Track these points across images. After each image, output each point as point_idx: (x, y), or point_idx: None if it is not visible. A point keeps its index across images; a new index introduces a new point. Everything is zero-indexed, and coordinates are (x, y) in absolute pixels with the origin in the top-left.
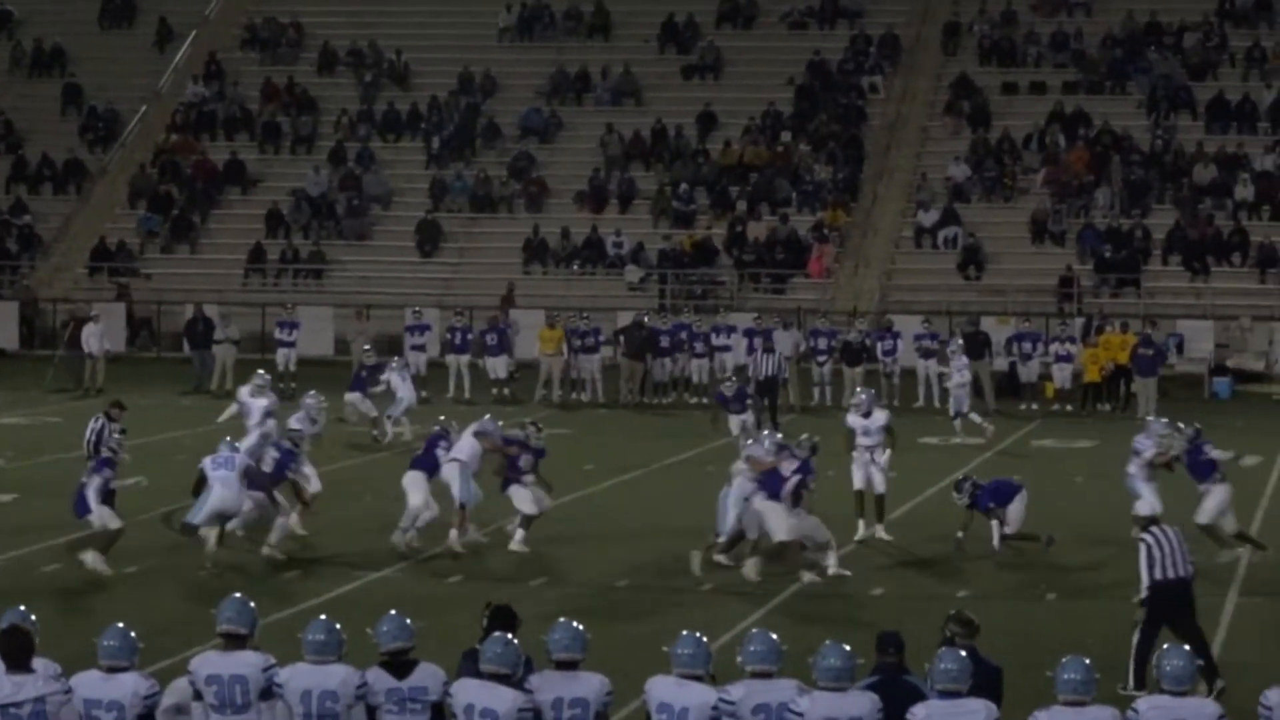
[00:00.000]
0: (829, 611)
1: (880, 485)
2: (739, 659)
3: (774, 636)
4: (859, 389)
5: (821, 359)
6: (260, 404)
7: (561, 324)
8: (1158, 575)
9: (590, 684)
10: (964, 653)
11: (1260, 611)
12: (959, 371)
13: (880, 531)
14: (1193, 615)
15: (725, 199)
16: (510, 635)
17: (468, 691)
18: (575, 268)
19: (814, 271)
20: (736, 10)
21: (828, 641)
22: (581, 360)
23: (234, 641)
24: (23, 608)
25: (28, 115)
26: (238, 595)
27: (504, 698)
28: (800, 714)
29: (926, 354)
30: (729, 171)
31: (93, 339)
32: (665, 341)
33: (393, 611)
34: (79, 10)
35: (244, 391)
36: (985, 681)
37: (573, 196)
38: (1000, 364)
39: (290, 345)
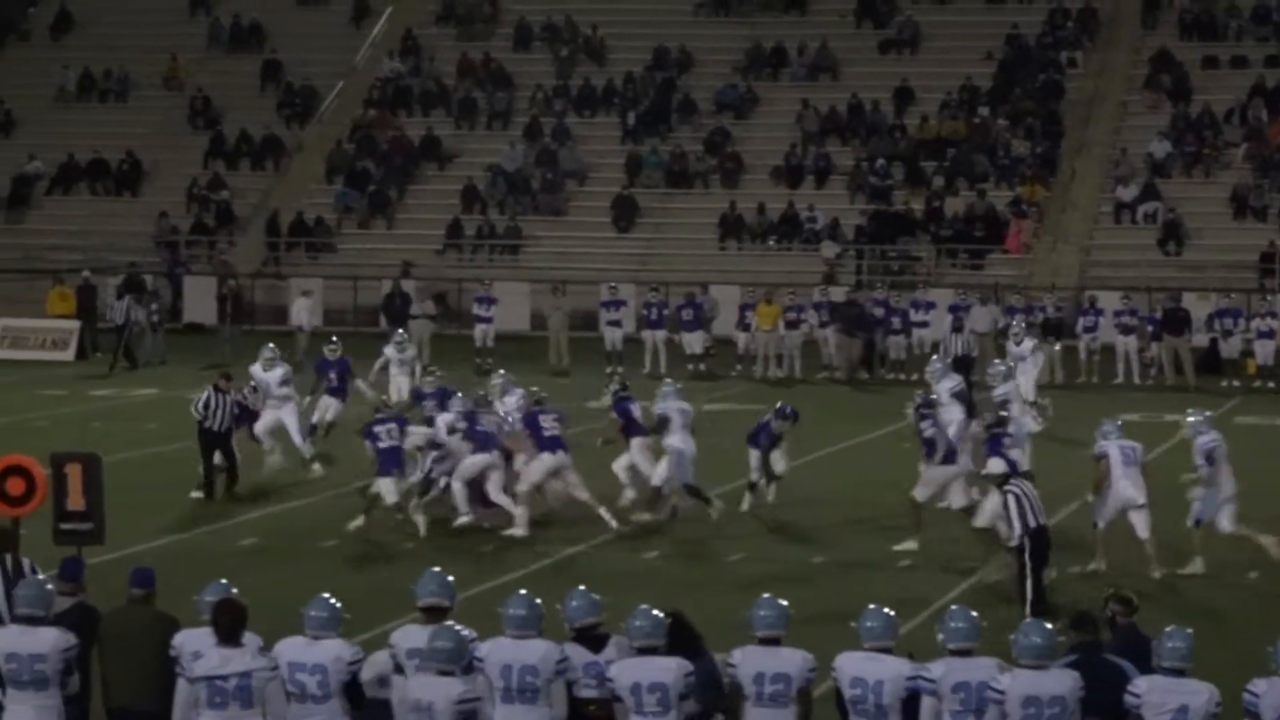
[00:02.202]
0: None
1: None
2: (939, 636)
3: (974, 614)
4: (935, 359)
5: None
6: (275, 376)
7: (779, 300)
8: (1030, 523)
9: (793, 660)
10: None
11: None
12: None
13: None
14: (1046, 558)
15: (921, 174)
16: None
17: (627, 670)
18: (771, 243)
19: (1012, 247)
20: None
21: (1029, 619)
22: (786, 336)
23: (435, 615)
24: (225, 581)
25: (226, 92)
26: (438, 569)
27: (668, 667)
28: (1001, 692)
29: (1126, 330)
30: (926, 146)
31: (304, 313)
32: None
33: (581, 587)
34: None
35: (256, 368)
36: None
37: (769, 172)
38: (1201, 340)
39: (488, 321)
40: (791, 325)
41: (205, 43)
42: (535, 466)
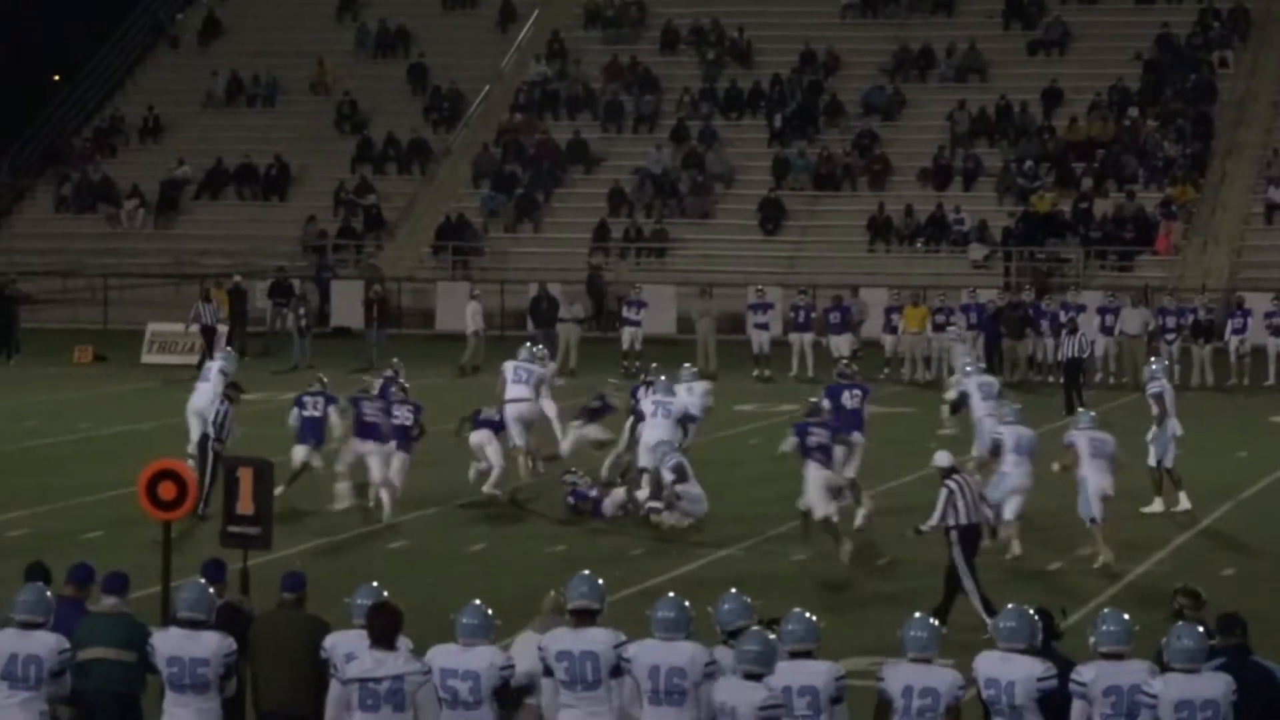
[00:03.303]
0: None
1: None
2: (1090, 639)
3: (1126, 617)
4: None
5: (1170, 337)
6: (215, 365)
7: (926, 303)
8: (962, 520)
9: (944, 677)
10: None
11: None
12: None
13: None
14: (975, 557)
15: (1070, 176)
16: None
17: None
18: (919, 245)
19: (1161, 248)
20: None
21: (1181, 623)
22: (933, 339)
23: (585, 618)
24: (375, 584)
25: (373, 96)
26: (587, 572)
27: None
28: (1154, 696)
29: (1276, 331)
30: (1075, 148)
31: (475, 317)
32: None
33: (733, 590)
34: None
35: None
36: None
37: (916, 174)
38: None
39: (636, 324)
40: (939, 328)
41: (352, 47)
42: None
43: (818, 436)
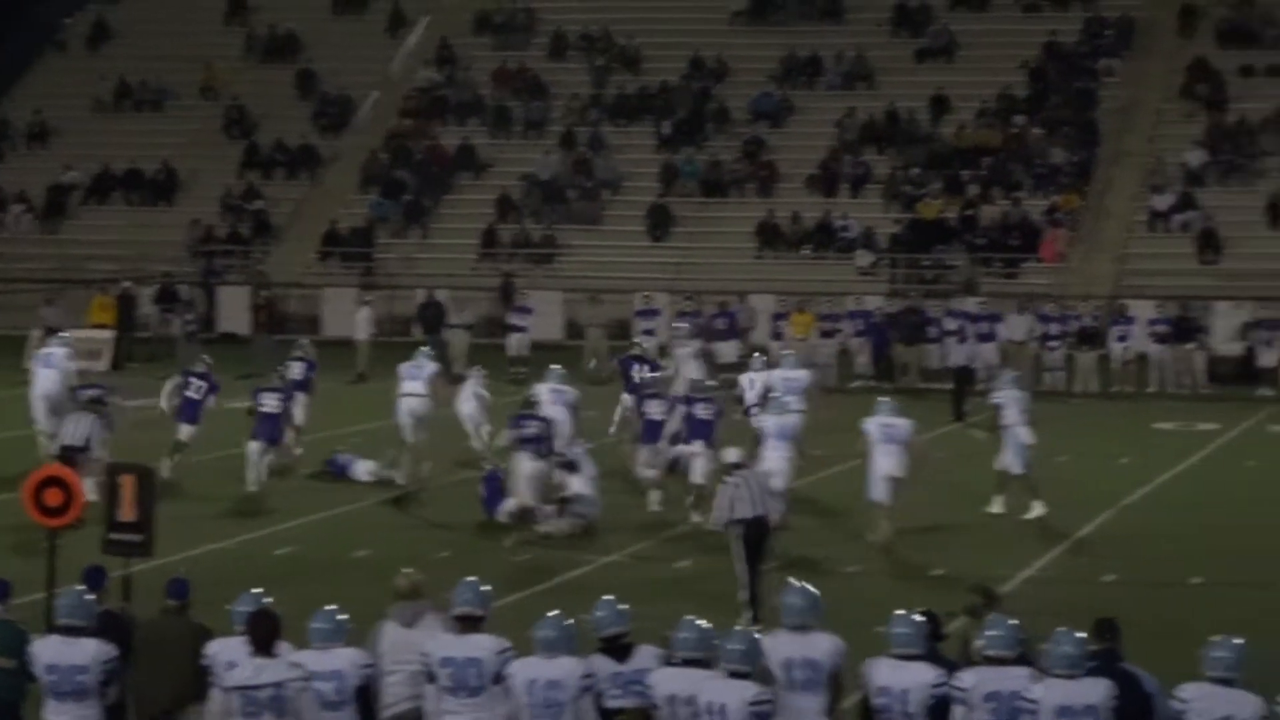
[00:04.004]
0: (1057, 597)
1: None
2: (976, 644)
3: (1012, 622)
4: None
5: (1053, 344)
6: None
7: (813, 309)
8: (737, 514)
9: (823, 646)
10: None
11: None
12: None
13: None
14: (762, 550)
15: (957, 183)
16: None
17: (666, 681)
18: (806, 252)
19: (1046, 256)
20: None
21: (1061, 629)
22: (820, 345)
23: (469, 624)
24: (257, 591)
25: (261, 101)
26: (473, 579)
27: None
28: (1034, 701)
29: (1160, 339)
30: (961, 155)
31: (364, 324)
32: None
33: (607, 597)
34: None
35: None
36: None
37: (804, 180)
38: (1236, 349)
39: (523, 330)
40: (826, 334)
41: (241, 52)
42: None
43: (532, 428)
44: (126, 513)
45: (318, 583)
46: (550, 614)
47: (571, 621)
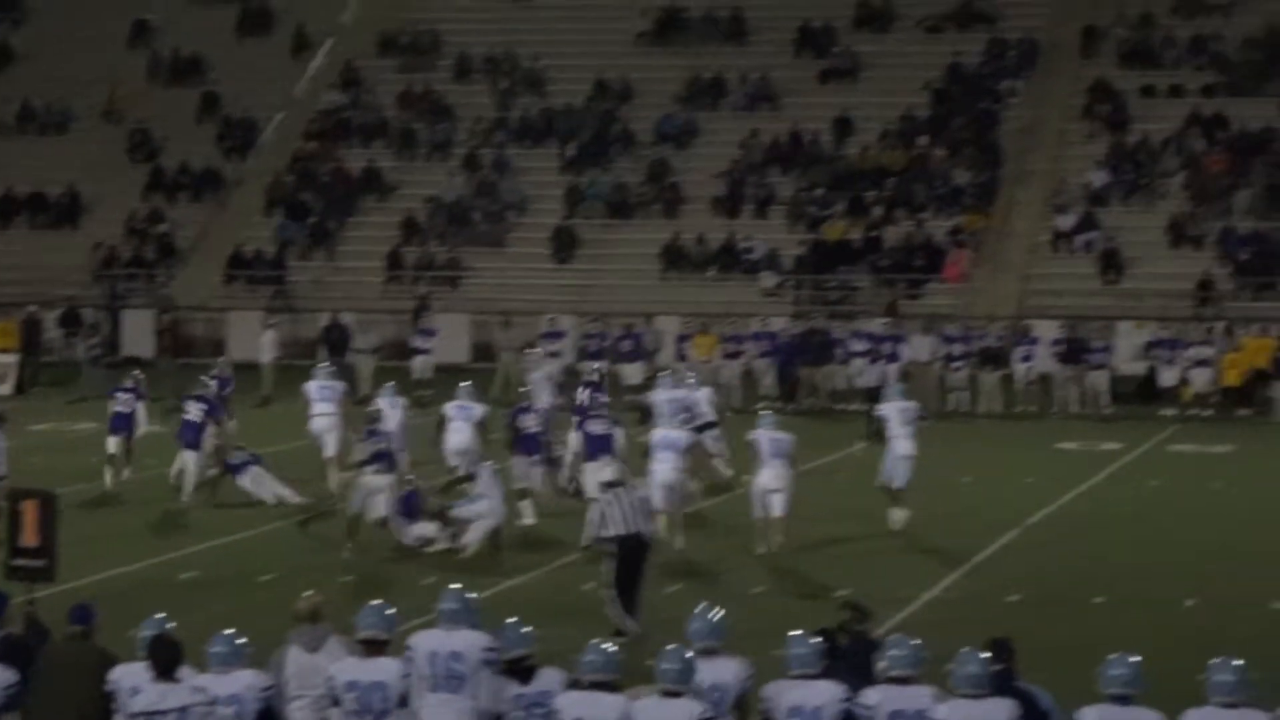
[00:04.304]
0: (961, 617)
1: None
2: (879, 664)
3: (915, 642)
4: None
5: (957, 364)
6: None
7: (717, 330)
8: (610, 530)
9: (731, 669)
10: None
11: None
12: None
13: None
14: (641, 566)
15: (861, 204)
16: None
17: (572, 706)
18: (711, 274)
19: (950, 276)
20: (873, 14)
21: (965, 649)
22: (723, 366)
23: (374, 648)
24: (160, 615)
25: (165, 124)
26: (378, 602)
27: (608, 705)
28: None
29: (1064, 359)
30: (865, 176)
31: (270, 346)
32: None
33: (512, 620)
34: (216, 19)
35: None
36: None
37: (708, 202)
38: (1138, 369)
39: (427, 352)
40: (730, 356)
41: (145, 74)
42: None
43: (377, 443)
44: (29, 538)
45: (222, 606)
46: (452, 586)
47: (474, 595)
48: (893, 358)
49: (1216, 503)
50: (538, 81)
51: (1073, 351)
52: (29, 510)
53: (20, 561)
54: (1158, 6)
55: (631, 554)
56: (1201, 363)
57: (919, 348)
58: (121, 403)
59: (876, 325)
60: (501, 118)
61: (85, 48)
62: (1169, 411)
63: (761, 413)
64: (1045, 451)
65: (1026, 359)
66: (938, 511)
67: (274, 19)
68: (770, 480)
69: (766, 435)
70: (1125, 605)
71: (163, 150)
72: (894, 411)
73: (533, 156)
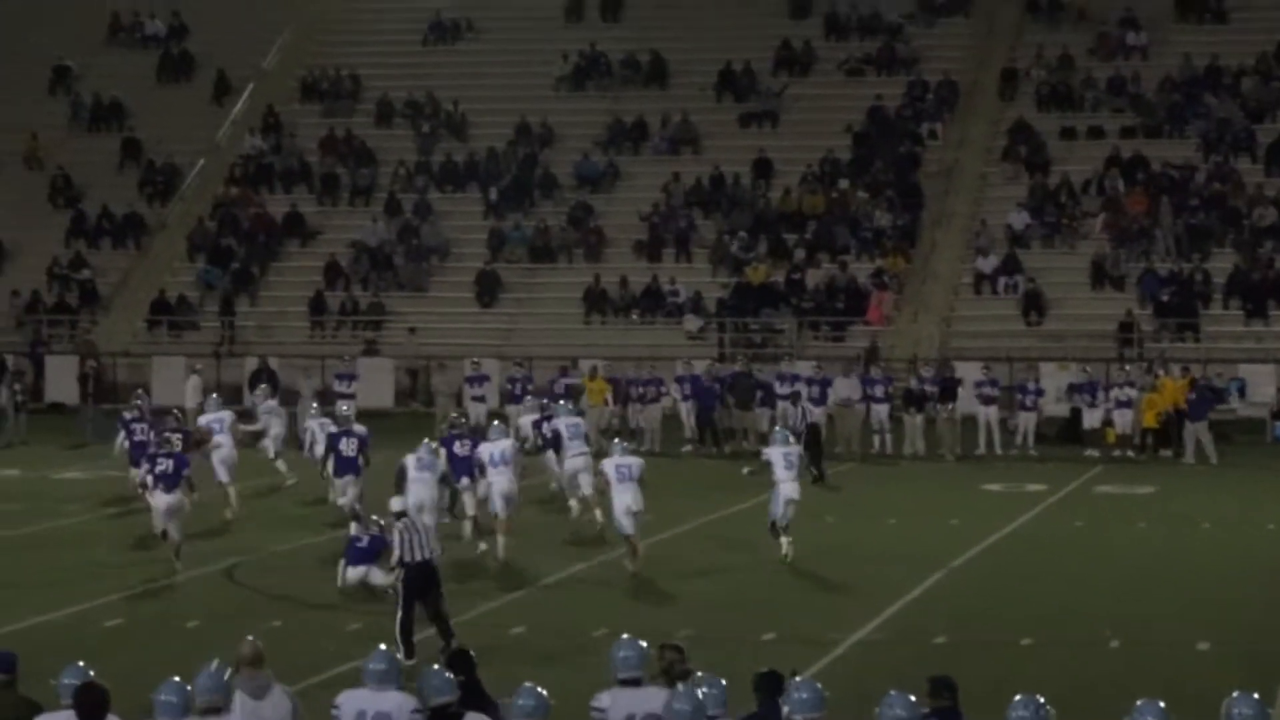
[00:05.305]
0: (887, 659)
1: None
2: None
3: (818, 685)
4: (778, 428)
5: (880, 407)
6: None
7: (604, 374)
8: (407, 558)
9: (660, 698)
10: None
11: None
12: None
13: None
14: (438, 591)
15: (783, 246)
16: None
17: None
18: (634, 317)
19: (873, 318)
20: (793, 57)
21: (892, 691)
22: (642, 410)
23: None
24: (82, 663)
25: (86, 169)
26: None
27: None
28: None
29: (987, 400)
30: (787, 219)
31: (194, 392)
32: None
33: (434, 665)
34: (137, 65)
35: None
36: None
37: (631, 245)
38: (1061, 410)
39: (350, 397)
40: (652, 399)
41: (66, 120)
42: None
43: (163, 465)
44: None
45: (147, 653)
46: (381, 647)
47: (399, 656)
48: (818, 400)
49: (1140, 544)
50: (459, 126)
51: (946, 391)
52: None
53: None
54: (1076, 48)
55: (427, 579)
56: (1124, 404)
57: (842, 389)
58: (140, 432)
59: (805, 368)
60: (423, 162)
61: (5, 94)
62: (1093, 453)
63: (613, 441)
64: (971, 493)
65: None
66: (863, 553)
67: (195, 64)
68: (630, 501)
69: (613, 462)
70: (1051, 646)
71: (84, 196)
72: (778, 455)
73: (455, 200)
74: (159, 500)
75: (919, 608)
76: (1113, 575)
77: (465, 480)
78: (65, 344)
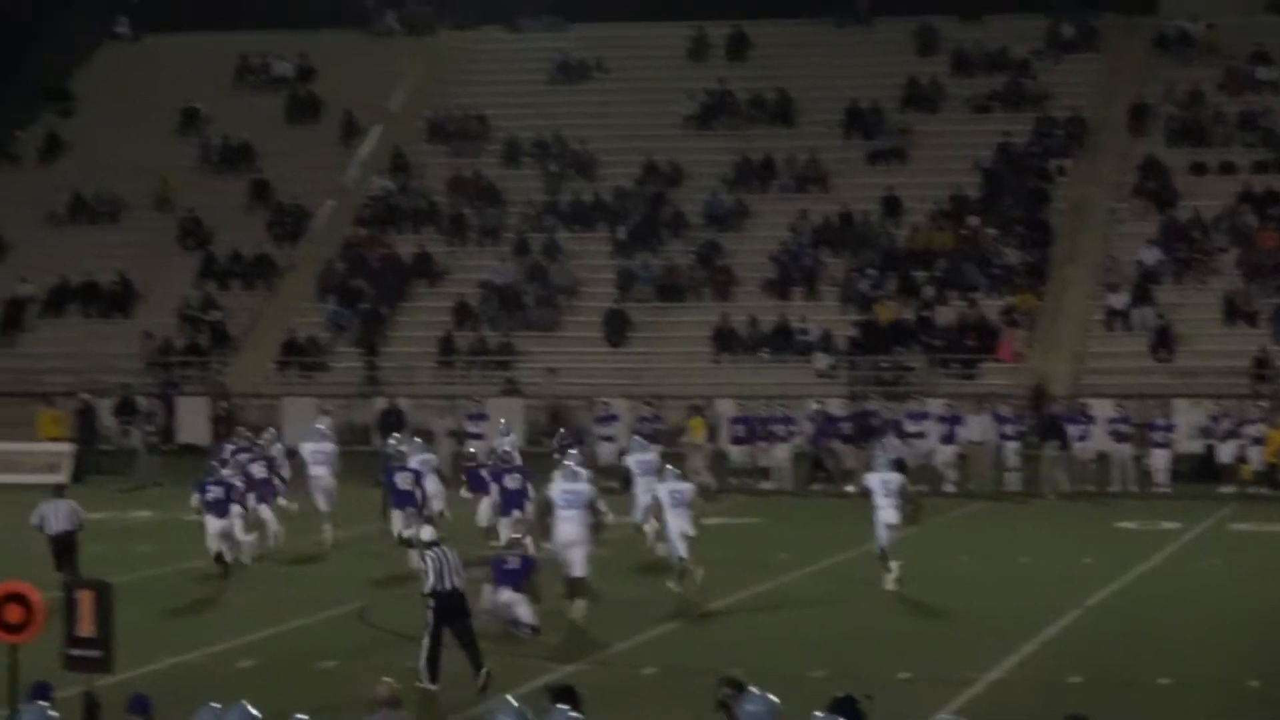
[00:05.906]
0: (1024, 698)
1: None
2: None
3: (773, 699)
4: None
5: (1011, 444)
6: None
7: (702, 413)
8: (438, 586)
9: None
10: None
11: None
12: None
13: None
14: (466, 619)
15: (912, 284)
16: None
17: None
18: (764, 355)
19: (1004, 356)
20: (921, 94)
21: None
22: (768, 449)
23: None
24: (216, 705)
25: (216, 211)
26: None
27: None
28: None
29: (1120, 438)
30: (915, 256)
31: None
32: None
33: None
34: (265, 107)
35: None
36: None
37: (760, 284)
38: (1195, 446)
39: (479, 437)
40: (780, 439)
41: (196, 162)
42: None
43: (213, 493)
44: (85, 627)
45: (282, 695)
46: (508, 698)
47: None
48: (948, 439)
49: (1277, 580)
50: (587, 165)
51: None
52: (85, 600)
53: (77, 652)
54: (1206, 84)
55: (445, 609)
56: (1258, 440)
57: (974, 428)
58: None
59: (937, 405)
60: (551, 201)
61: (135, 136)
62: (1227, 489)
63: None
64: (1104, 531)
65: (1083, 438)
66: (998, 591)
67: (322, 106)
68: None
69: (667, 489)
70: (1189, 686)
71: (214, 237)
72: (878, 482)
73: (583, 240)
74: (211, 525)
75: (1054, 646)
76: (1250, 613)
77: (516, 513)
78: (196, 385)
